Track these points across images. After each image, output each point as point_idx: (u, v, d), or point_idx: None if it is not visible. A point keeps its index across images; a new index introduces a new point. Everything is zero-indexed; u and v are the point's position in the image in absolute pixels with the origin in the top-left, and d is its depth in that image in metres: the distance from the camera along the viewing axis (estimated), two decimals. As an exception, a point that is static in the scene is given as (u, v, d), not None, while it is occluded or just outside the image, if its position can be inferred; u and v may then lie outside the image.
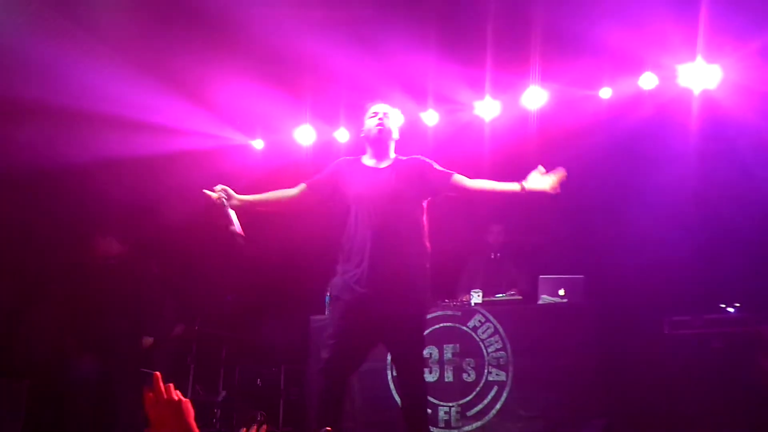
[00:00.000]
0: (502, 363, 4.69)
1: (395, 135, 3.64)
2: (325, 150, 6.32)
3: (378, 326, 3.38)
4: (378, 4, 5.24)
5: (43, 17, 4.59)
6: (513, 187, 3.38)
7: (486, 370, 4.70)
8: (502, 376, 4.66)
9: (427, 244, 3.53)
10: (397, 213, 3.42)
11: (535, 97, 5.90)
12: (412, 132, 6.32)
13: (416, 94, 6.11)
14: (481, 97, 6.12)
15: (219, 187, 3.44)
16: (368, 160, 3.63)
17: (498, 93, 6.09)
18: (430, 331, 4.81)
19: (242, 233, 3.35)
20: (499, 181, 3.48)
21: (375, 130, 3.55)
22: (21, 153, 5.33)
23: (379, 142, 3.58)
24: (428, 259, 3.51)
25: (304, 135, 6.43)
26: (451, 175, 3.51)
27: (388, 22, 5.22)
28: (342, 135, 6.45)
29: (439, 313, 4.87)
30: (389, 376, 4.81)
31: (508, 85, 6.01)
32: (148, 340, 5.37)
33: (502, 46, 5.51)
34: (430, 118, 6.28)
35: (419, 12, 5.32)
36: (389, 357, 4.79)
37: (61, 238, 5.63)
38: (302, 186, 3.64)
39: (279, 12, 5.04)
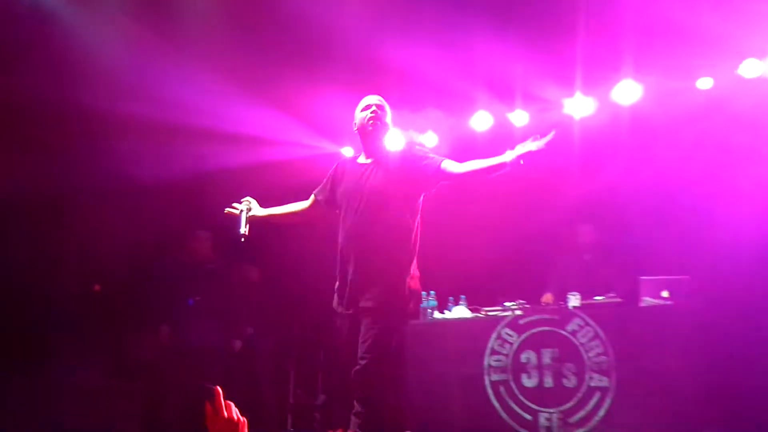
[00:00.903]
0: (604, 368, 4.53)
1: (389, 129, 3.51)
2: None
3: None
4: (461, 3, 5.19)
5: (140, 36, 4.82)
6: (502, 158, 3.16)
7: (587, 375, 4.56)
8: (605, 382, 4.51)
9: (412, 247, 3.34)
10: (379, 212, 3.27)
11: (628, 91, 5.70)
12: (499, 133, 6.28)
13: (503, 94, 6.03)
14: (571, 94, 5.96)
15: (246, 198, 3.56)
16: (361, 157, 3.51)
17: (589, 89, 5.92)
18: (528, 336, 4.72)
19: (246, 234, 3.44)
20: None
21: (369, 124, 3.40)
22: (124, 165, 5.63)
23: (372, 136, 3.42)
24: (410, 263, 3.33)
25: (391, 141, 6.44)
26: (439, 163, 3.30)
27: (472, 22, 5.17)
28: (430, 139, 6.44)
29: (536, 317, 4.76)
30: (487, 382, 4.74)
31: (599, 80, 5.84)
32: (237, 344, 5.50)
33: (591, 39, 5.34)
34: (519, 118, 6.17)
35: (503, 7, 5.23)
36: (485, 361, 4.75)
37: (161, 246, 5.90)
38: (312, 196, 3.62)
39: (365, 19, 5.08)
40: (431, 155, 3.41)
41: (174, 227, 5.83)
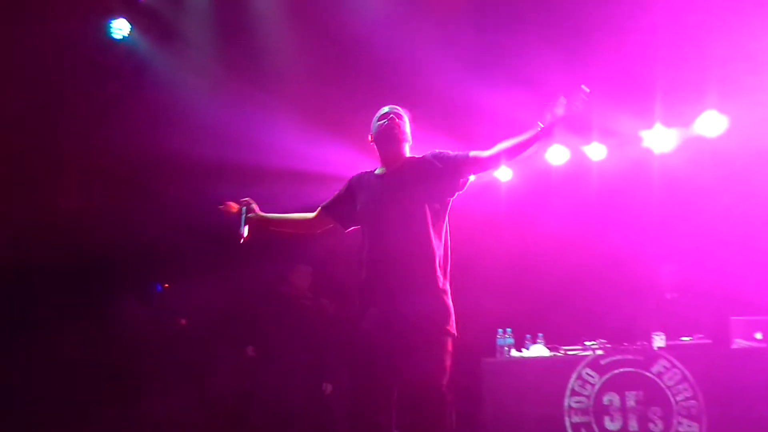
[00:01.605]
0: (693, 413, 4.31)
1: (408, 138, 3.21)
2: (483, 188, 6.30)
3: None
4: (533, 35, 5.19)
5: (230, 84, 5.06)
6: (532, 132, 2.95)
7: (675, 420, 4.35)
8: (695, 428, 4.29)
9: (446, 257, 3.04)
10: (407, 224, 3.00)
11: (712, 123, 5.51)
12: (575, 167, 6.18)
13: (579, 127, 5.94)
14: (650, 126, 5.82)
15: (245, 199, 3.41)
16: (379, 170, 3.25)
17: (669, 121, 5.76)
18: (610, 377, 4.56)
19: (246, 237, 3.29)
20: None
21: (385, 131, 3.15)
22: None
23: (390, 143, 3.16)
24: (446, 276, 3.01)
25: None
26: (466, 153, 3.08)
27: (547, 57, 5.15)
28: (504, 174, 6.40)
29: (618, 357, 4.60)
30: (567, 423, 4.60)
31: (680, 112, 5.67)
32: (328, 387, 5.46)
33: (671, 69, 5.22)
34: (596, 152, 6.06)
35: (577, 40, 5.19)
36: (565, 402, 4.62)
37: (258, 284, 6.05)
38: (319, 209, 3.38)
39: (435, 53, 5.14)
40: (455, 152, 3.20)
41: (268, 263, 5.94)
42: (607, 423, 4.50)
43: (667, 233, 5.66)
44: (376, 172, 3.25)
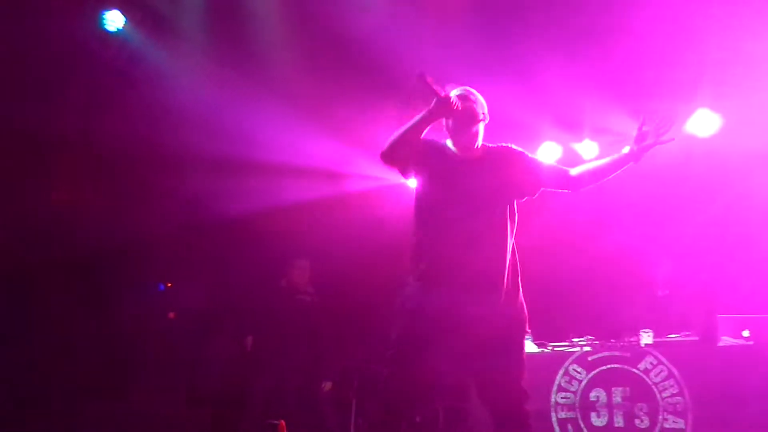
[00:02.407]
0: (679, 409, 4.32)
1: (487, 120, 3.00)
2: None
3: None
4: (529, 34, 5.20)
5: (224, 77, 5.06)
6: (622, 155, 2.90)
7: (661, 416, 4.36)
8: (680, 424, 4.30)
9: (515, 253, 2.95)
10: (492, 214, 2.89)
11: (704, 122, 5.52)
12: (568, 165, 6.18)
13: (572, 124, 5.96)
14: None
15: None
16: (450, 144, 3.00)
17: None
18: (597, 373, 4.57)
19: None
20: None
21: (470, 111, 2.89)
22: (214, 202, 5.84)
23: (468, 124, 2.91)
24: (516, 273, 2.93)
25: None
26: (565, 168, 3.02)
27: (540, 52, 5.16)
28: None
29: (605, 353, 4.61)
30: (554, 419, 4.61)
31: (672, 111, 5.67)
32: (328, 385, 5.45)
33: (664, 68, 5.24)
34: (588, 149, 6.07)
35: (569, 38, 5.20)
36: (552, 398, 4.63)
37: (249, 277, 6.05)
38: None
39: (432, 51, 5.15)
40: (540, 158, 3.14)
41: (262, 258, 5.95)
42: (594, 419, 4.51)
43: (660, 231, 5.67)
44: (449, 146, 2.98)
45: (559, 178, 3.03)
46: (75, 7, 4.98)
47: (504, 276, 2.86)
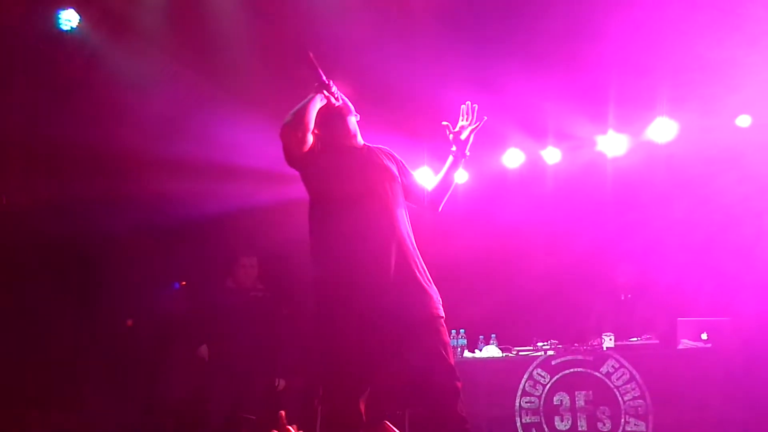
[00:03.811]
0: (640, 412, 4.37)
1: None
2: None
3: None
4: (492, 42, 5.22)
5: (183, 76, 4.95)
6: (450, 160, 3.09)
7: (623, 419, 4.39)
8: (642, 427, 4.34)
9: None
10: (398, 204, 2.94)
11: (663, 129, 5.62)
12: (530, 171, 6.24)
13: (535, 131, 6.00)
14: (604, 132, 5.91)
15: None
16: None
17: (622, 127, 5.86)
18: (560, 377, 4.59)
19: None
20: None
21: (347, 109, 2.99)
22: (166, 203, 5.71)
23: (350, 119, 2.99)
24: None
25: (424, 176, 6.46)
26: (425, 186, 3.16)
27: (504, 61, 5.18)
28: (461, 175, 6.41)
29: (568, 357, 4.64)
30: (518, 424, 4.61)
31: (632, 118, 5.78)
32: (282, 383, 5.39)
33: (625, 76, 5.31)
34: (551, 155, 6.13)
35: (534, 46, 5.24)
36: (517, 403, 4.63)
37: (205, 281, 5.93)
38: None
39: (397, 56, 5.13)
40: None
41: (218, 259, 5.83)
42: (557, 423, 4.53)
43: (622, 235, 5.74)
44: (337, 139, 2.95)
45: (420, 195, 3.11)
46: (28, 4, 4.82)
47: (414, 264, 2.81)
